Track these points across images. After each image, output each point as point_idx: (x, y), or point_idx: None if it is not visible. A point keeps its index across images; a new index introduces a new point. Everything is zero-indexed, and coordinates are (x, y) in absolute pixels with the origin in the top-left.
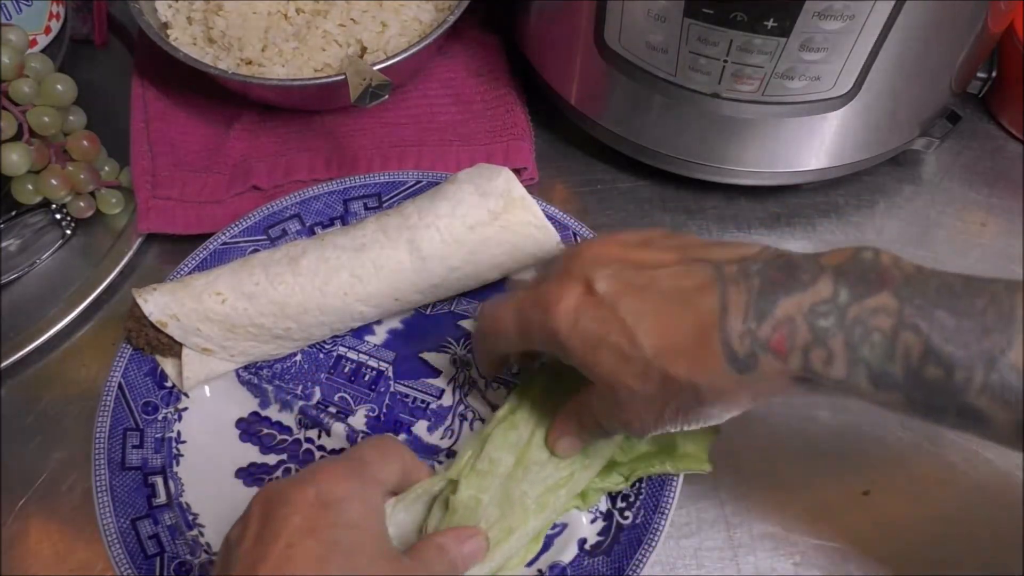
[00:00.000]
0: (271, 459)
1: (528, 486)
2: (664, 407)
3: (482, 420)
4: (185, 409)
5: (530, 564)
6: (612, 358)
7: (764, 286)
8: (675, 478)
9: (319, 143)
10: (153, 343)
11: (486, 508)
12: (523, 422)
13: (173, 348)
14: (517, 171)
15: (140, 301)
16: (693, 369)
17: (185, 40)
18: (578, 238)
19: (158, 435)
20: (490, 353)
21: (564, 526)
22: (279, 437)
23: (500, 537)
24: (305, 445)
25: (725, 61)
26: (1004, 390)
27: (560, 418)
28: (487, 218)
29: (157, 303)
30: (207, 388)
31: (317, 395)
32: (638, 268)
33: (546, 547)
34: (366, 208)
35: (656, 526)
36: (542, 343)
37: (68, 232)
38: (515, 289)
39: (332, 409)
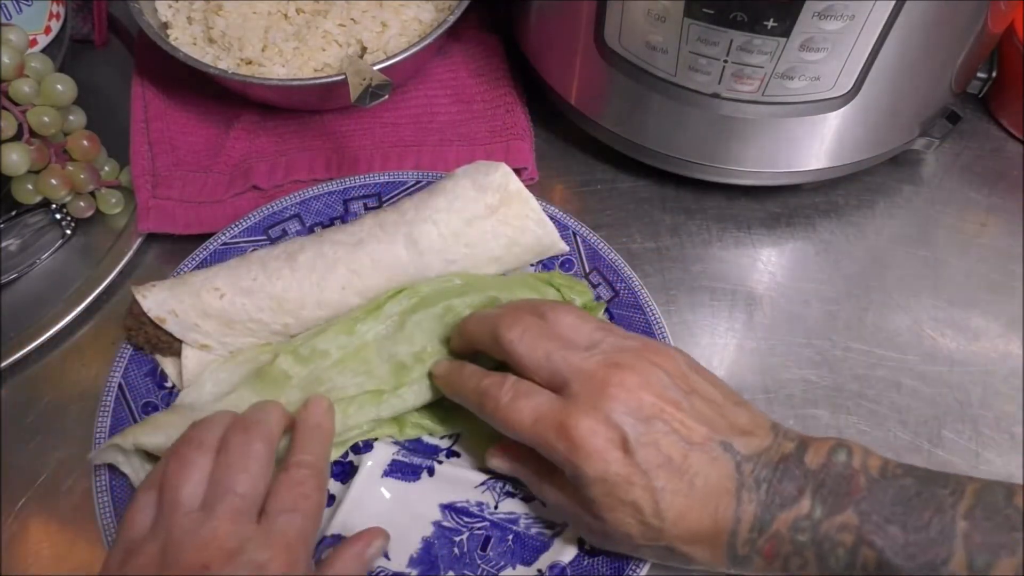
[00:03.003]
0: None
1: (334, 385)
2: (645, 554)
3: None
4: None
5: (529, 564)
6: (630, 516)
7: (769, 498)
8: None
9: (319, 143)
10: (153, 341)
11: (291, 388)
12: (365, 332)
13: (173, 346)
14: (517, 171)
15: (139, 297)
16: (699, 552)
17: (185, 40)
18: (578, 238)
19: None
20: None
21: (564, 525)
22: None
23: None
24: None
25: (725, 61)
26: None
27: (512, 446)
28: (484, 212)
29: (156, 299)
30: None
31: None
32: (674, 435)
33: (546, 547)
34: (366, 208)
35: None
36: (556, 462)
37: (68, 232)
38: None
39: None
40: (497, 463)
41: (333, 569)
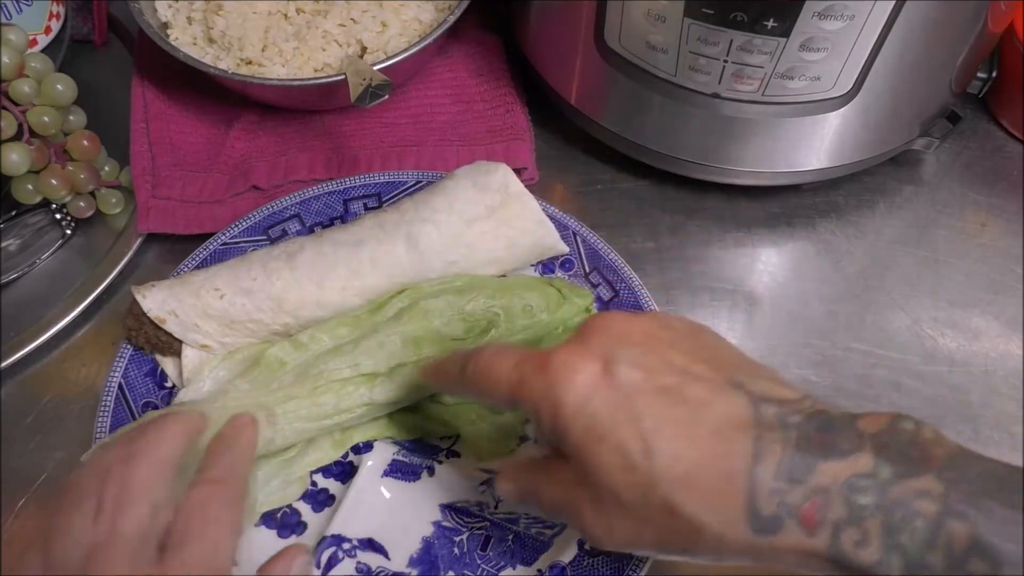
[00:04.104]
0: None
1: (329, 368)
2: (644, 532)
3: None
4: None
5: (529, 564)
6: (615, 459)
7: (801, 443)
8: None
9: (319, 143)
10: (153, 341)
11: (285, 373)
12: (363, 330)
13: (173, 346)
14: (517, 171)
15: (139, 297)
16: (705, 509)
17: (185, 40)
18: (578, 238)
19: None
20: (462, 390)
21: (564, 526)
22: None
23: (280, 400)
24: None
25: (725, 61)
26: None
27: (516, 465)
28: (484, 213)
29: (156, 299)
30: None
31: None
32: (667, 366)
33: (546, 547)
34: (366, 208)
35: None
36: (534, 414)
37: (68, 232)
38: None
39: None
40: (504, 486)
41: None
